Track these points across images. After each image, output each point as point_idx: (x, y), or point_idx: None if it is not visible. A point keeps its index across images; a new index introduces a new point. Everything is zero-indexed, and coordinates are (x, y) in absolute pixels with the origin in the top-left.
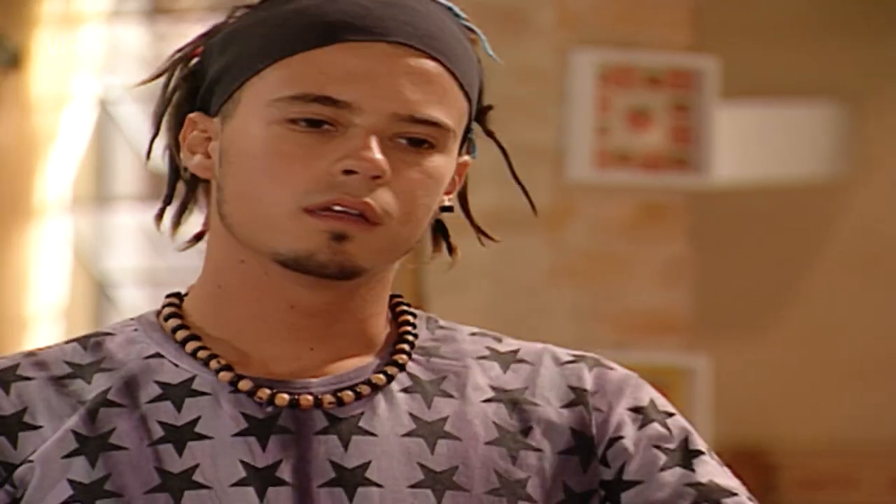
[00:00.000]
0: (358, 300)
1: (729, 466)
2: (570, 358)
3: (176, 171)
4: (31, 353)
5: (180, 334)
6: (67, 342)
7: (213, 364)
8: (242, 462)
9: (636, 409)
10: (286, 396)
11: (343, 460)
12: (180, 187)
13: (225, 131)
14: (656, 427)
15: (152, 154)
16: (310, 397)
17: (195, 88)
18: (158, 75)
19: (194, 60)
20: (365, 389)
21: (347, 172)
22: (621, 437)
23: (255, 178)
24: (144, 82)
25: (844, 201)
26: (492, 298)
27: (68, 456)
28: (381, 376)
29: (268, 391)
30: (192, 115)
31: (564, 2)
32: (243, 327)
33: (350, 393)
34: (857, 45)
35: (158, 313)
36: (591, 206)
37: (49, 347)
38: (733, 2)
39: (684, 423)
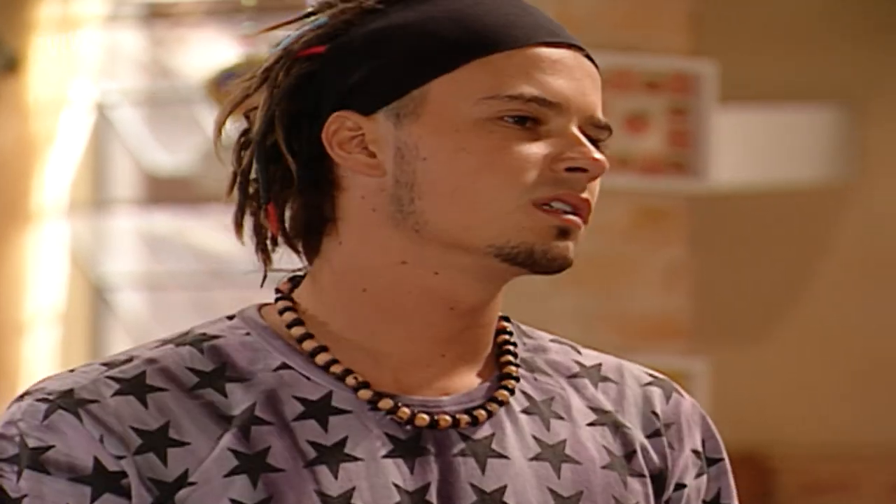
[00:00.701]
0: (494, 304)
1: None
2: (649, 379)
3: (266, 170)
4: (151, 360)
5: (308, 345)
6: (176, 345)
7: (350, 381)
8: (395, 485)
9: (696, 453)
10: (426, 417)
11: (482, 483)
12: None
13: (405, 128)
14: (704, 481)
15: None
16: (448, 417)
17: (311, 87)
18: (265, 73)
19: (309, 59)
20: (494, 407)
21: (572, 170)
22: (685, 486)
23: (471, 175)
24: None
25: (845, 205)
26: None
27: (229, 475)
28: (505, 392)
29: (407, 410)
30: (341, 114)
31: (563, 6)
32: (383, 329)
33: (483, 412)
34: (857, 48)
35: (260, 311)
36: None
37: (160, 349)
38: (732, 6)
39: (727, 466)
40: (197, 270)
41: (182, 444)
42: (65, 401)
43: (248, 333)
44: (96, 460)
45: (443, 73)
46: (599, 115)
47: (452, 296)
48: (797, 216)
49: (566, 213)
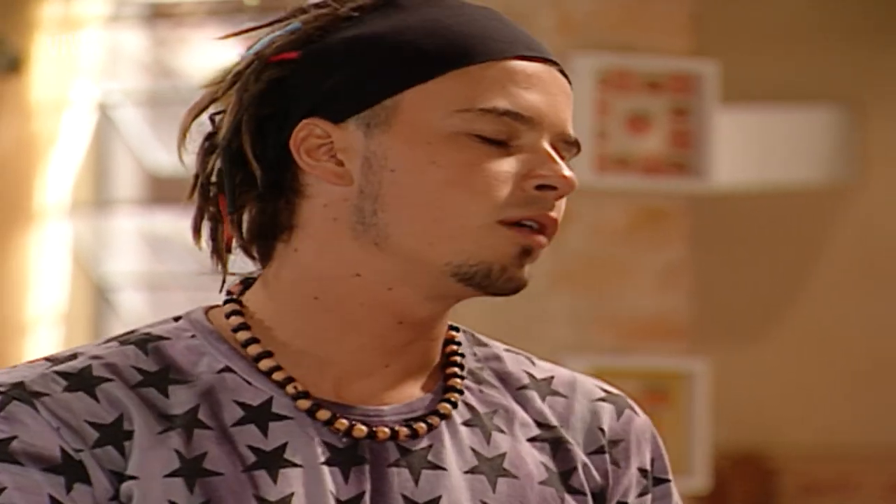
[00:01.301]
0: (444, 318)
1: (730, 471)
2: (601, 395)
3: (231, 174)
4: (96, 356)
5: (252, 349)
6: (120, 343)
7: (290, 389)
8: (331, 492)
9: (643, 472)
10: (364, 428)
11: (414, 495)
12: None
13: (376, 138)
14: (648, 500)
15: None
16: (386, 430)
17: (282, 93)
18: (234, 77)
19: (280, 65)
20: (435, 420)
21: (542, 187)
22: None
23: (440, 189)
24: (216, 88)
25: (844, 206)
26: (492, 304)
27: (169, 475)
28: (447, 405)
29: (345, 422)
30: (309, 121)
31: (564, 6)
32: (330, 338)
33: (423, 425)
34: (857, 49)
35: (207, 314)
36: (591, 211)
37: (104, 346)
38: (733, 6)
39: (672, 488)
40: (196, 271)
41: (130, 434)
42: (17, 392)
43: (193, 336)
44: (62, 450)
45: (416, 84)
46: (570, 131)
47: (402, 310)
48: (797, 217)
49: (533, 231)
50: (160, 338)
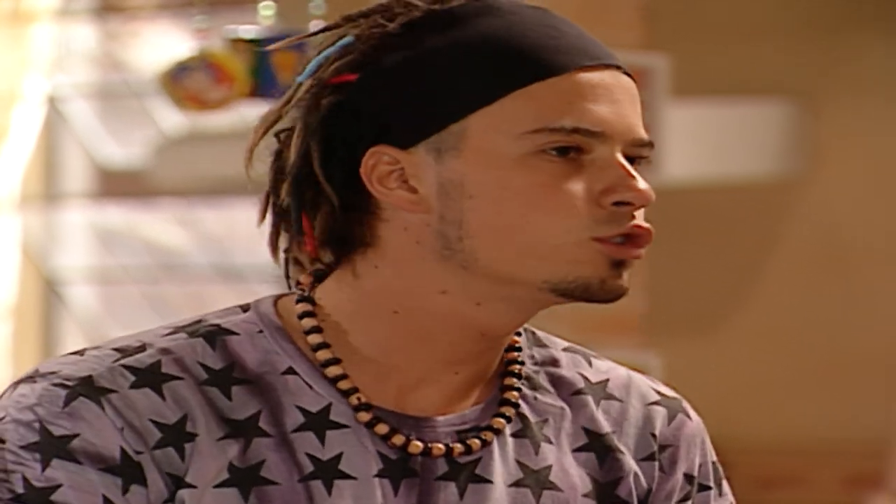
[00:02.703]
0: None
1: None
2: (655, 398)
3: (300, 197)
4: (165, 350)
5: (322, 354)
6: (189, 335)
7: (353, 400)
8: None
9: (688, 477)
10: (420, 444)
11: None
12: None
13: (448, 164)
14: None
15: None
16: (441, 446)
17: (345, 117)
18: (286, 102)
19: (340, 87)
20: (489, 436)
21: (619, 203)
22: None
23: (522, 213)
24: (271, 122)
25: (797, 199)
26: None
27: (219, 486)
28: (502, 420)
29: (402, 438)
30: (376, 149)
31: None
32: (403, 347)
33: (477, 441)
34: (808, 43)
35: (276, 304)
36: None
37: (171, 337)
38: (685, 0)
39: (711, 496)
40: (148, 264)
41: (194, 436)
42: (85, 388)
43: (260, 331)
44: (122, 450)
45: (479, 108)
46: (641, 133)
47: (489, 324)
48: (750, 210)
49: (624, 245)
50: (228, 332)
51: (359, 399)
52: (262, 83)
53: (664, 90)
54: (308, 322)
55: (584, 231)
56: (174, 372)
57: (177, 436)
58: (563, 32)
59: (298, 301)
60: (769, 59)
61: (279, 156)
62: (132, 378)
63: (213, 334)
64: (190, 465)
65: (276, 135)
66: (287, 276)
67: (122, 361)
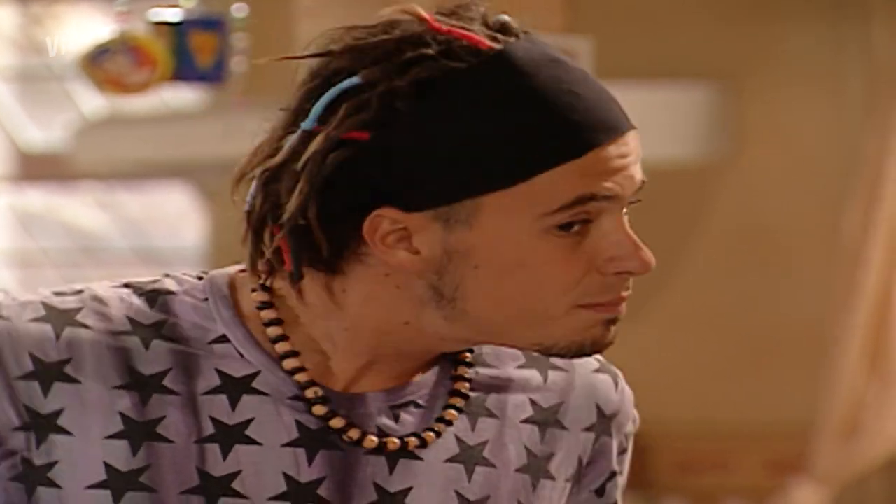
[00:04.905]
0: None
1: None
2: (597, 366)
3: (297, 245)
4: (99, 300)
5: (280, 347)
6: (137, 293)
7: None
8: (286, 475)
9: (627, 436)
10: (342, 420)
11: (387, 483)
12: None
13: (456, 234)
14: (619, 482)
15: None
16: (374, 439)
17: (352, 174)
18: (299, 156)
19: (349, 144)
20: (441, 427)
21: (622, 272)
22: (617, 474)
23: (526, 286)
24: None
25: (720, 183)
26: None
27: (110, 437)
28: (454, 412)
29: (325, 409)
30: (383, 211)
31: None
32: (353, 351)
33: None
34: (733, 26)
35: (231, 284)
36: None
37: (116, 290)
38: None
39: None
40: (69, 248)
41: (73, 380)
42: None
43: (205, 299)
44: None
45: (497, 190)
46: (641, 178)
47: (446, 349)
48: (673, 194)
49: (611, 304)
50: (174, 294)
51: (315, 393)
52: (181, 66)
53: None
54: (268, 314)
55: (573, 301)
56: (87, 321)
57: (49, 373)
58: (581, 98)
59: (254, 290)
60: (693, 43)
61: (266, 186)
62: (40, 314)
63: (159, 294)
64: (63, 411)
65: (263, 184)
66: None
67: (46, 299)
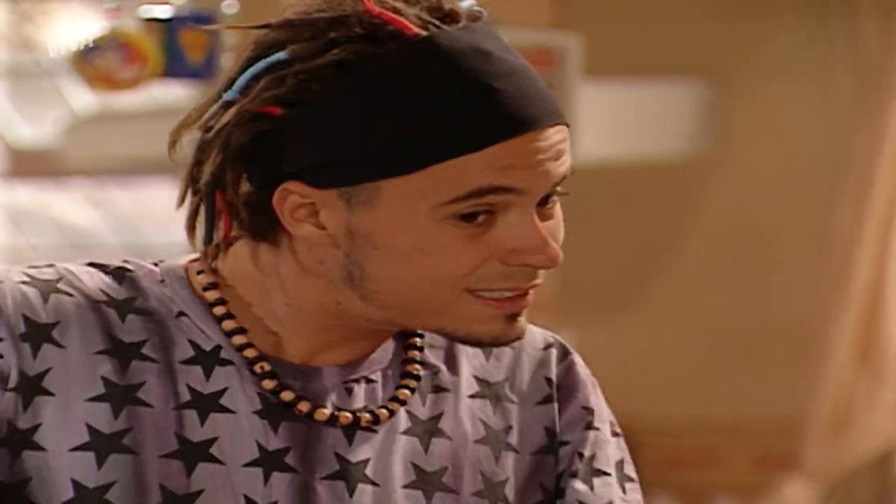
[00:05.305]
0: None
1: None
2: (547, 341)
3: (211, 205)
4: (73, 273)
5: (227, 325)
6: (103, 270)
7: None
8: (258, 443)
9: (586, 409)
10: (326, 412)
11: (348, 454)
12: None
13: (357, 215)
14: (591, 435)
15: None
16: (325, 411)
17: (265, 146)
18: (210, 115)
19: (263, 118)
20: (396, 407)
21: (526, 265)
22: (568, 443)
23: (422, 272)
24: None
25: (709, 179)
26: None
27: (92, 400)
28: (407, 392)
29: (273, 382)
30: (291, 184)
31: None
32: (299, 329)
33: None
34: (721, 23)
35: (186, 268)
36: None
37: (84, 267)
38: None
39: (623, 445)
40: (59, 244)
41: (59, 345)
42: None
43: (162, 280)
44: None
45: (398, 176)
46: (563, 174)
47: (384, 329)
48: (662, 191)
49: (514, 298)
50: (134, 273)
51: (262, 368)
52: (171, 63)
53: (576, 70)
54: (212, 295)
55: (464, 285)
56: (68, 289)
57: (39, 335)
58: (495, 91)
59: (200, 272)
60: (681, 39)
61: (201, 150)
62: (25, 279)
63: (123, 272)
64: (47, 373)
65: (202, 128)
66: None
67: (26, 270)
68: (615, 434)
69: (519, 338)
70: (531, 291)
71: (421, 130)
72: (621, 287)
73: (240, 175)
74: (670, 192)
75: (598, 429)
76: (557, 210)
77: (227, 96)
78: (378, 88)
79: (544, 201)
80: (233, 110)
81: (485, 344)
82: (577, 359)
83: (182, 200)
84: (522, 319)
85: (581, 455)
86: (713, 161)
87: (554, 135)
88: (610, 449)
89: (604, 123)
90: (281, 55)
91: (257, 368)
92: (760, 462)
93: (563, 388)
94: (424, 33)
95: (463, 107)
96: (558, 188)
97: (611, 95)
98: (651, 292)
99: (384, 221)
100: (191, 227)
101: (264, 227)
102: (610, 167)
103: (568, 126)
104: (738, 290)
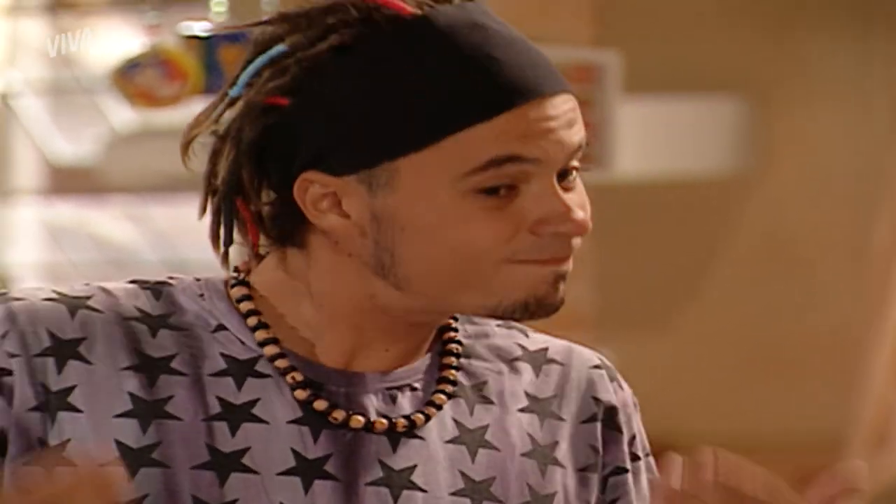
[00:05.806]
0: None
1: None
2: (596, 362)
3: (230, 208)
4: (107, 291)
5: (259, 335)
6: (142, 286)
7: (289, 379)
8: (293, 451)
9: (631, 441)
10: (360, 418)
11: (391, 461)
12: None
13: (380, 198)
14: (643, 478)
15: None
16: (360, 419)
17: (278, 138)
18: (219, 114)
19: (272, 110)
20: (432, 412)
21: (558, 234)
22: (626, 470)
23: (454, 246)
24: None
25: (746, 196)
26: None
27: (119, 416)
28: (443, 396)
29: (307, 392)
30: (310, 174)
31: None
32: (334, 331)
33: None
34: (760, 38)
35: (226, 282)
36: None
37: (123, 285)
38: None
39: (651, 463)
40: (98, 260)
41: (85, 361)
42: (2, 297)
43: (201, 295)
44: None
45: (412, 152)
46: (576, 144)
47: (419, 322)
48: (701, 207)
49: (551, 261)
50: (175, 287)
51: (294, 378)
52: (211, 80)
53: (615, 87)
54: (245, 305)
55: (506, 257)
56: (98, 306)
57: (64, 350)
58: (499, 61)
59: (234, 285)
60: (720, 55)
61: (216, 154)
62: (52, 295)
63: (163, 286)
64: (68, 380)
65: (214, 132)
66: (226, 265)
67: (55, 288)
68: (646, 454)
69: (560, 304)
70: (568, 259)
71: (428, 104)
72: (659, 303)
73: (258, 180)
74: (708, 209)
75: (639, 458)
76: (579, 183)
77: (232, 93)
78: (380, 67)
79: (563, 176)
80: (240, 104)
81: (531, 309)
82: (624, 383)
83: (203, 210)
84: (562, 288)
85: (623, 483)
86: (750, 178)
87: (562, 104)
88: (644, 479)
89: (642, 140)
90: (281, 47)
91: (289, 379)
92: (799, 477)
93: (610, 410)
94: (420, 12)
95: (466, 77)
96: (575, 162)
97: (649, 112)
98: (689, 308)
99: (407, 201)
100: (215, 236)
101: (290, 229)
102: (648, 183)
103: (574, 96)
104: (776, 307)
